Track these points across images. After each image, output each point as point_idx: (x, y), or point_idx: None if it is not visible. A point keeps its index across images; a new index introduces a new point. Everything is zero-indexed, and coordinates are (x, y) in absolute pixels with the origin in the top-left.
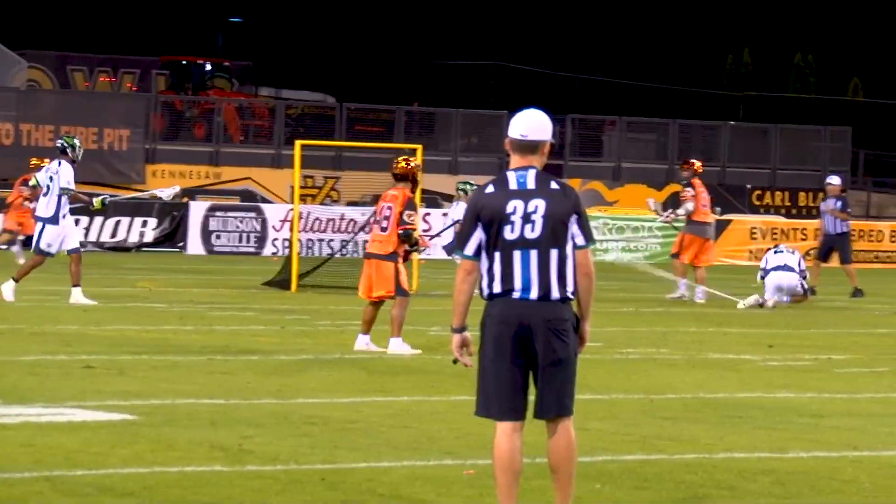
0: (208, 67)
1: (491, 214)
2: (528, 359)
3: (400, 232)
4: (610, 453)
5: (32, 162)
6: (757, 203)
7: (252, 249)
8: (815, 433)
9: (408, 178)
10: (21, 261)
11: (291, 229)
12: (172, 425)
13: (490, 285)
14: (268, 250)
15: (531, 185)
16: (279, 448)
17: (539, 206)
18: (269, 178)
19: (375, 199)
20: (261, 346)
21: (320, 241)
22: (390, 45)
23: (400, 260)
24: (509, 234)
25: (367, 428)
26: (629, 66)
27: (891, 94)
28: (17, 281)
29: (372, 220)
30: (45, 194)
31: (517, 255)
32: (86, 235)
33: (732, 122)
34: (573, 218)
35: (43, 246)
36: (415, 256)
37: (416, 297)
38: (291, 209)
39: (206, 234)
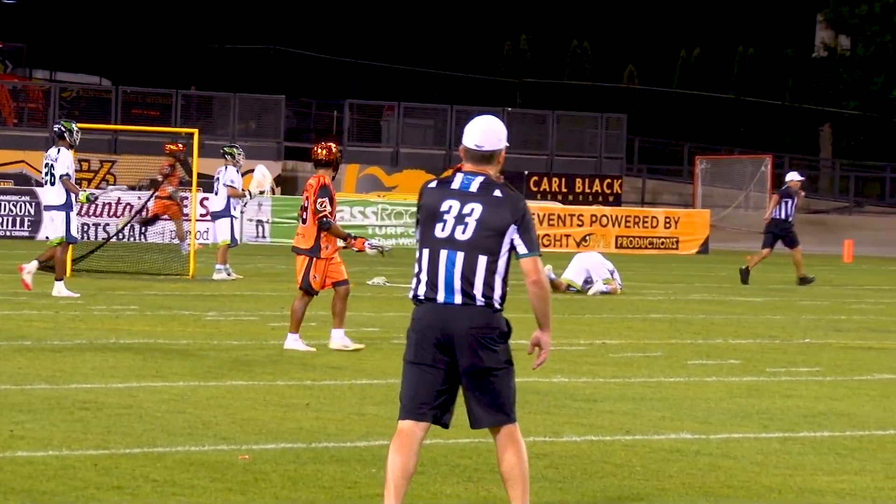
0: None
1: (426, 210)
2: (451, 365)
3: (317, 221)
4: (386, 438)
5: None
6: (534, 189)
7: (26, 234)
8: (589, 417)
9: (330, 164)
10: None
11: None
12: None
13: (416, 287)
14: (42, 234)
15: (474, 188)
16: (51, 434)
17: (475, 209)
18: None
19: (152, 183)
20: (33, 331)
21: (96, 225)
22: (167, 28)
23: (325, 254)
24: (439, 231)
25: (142, 413)
26: (407, 51)
27: (665, 82)
28: (60, 279)
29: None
30: (52, 184)
31: (444, 254)
32: None
33: (510, 109)
34: (512, 228)
35: (74, 233)
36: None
37: (193, 283)
38: None
39: None
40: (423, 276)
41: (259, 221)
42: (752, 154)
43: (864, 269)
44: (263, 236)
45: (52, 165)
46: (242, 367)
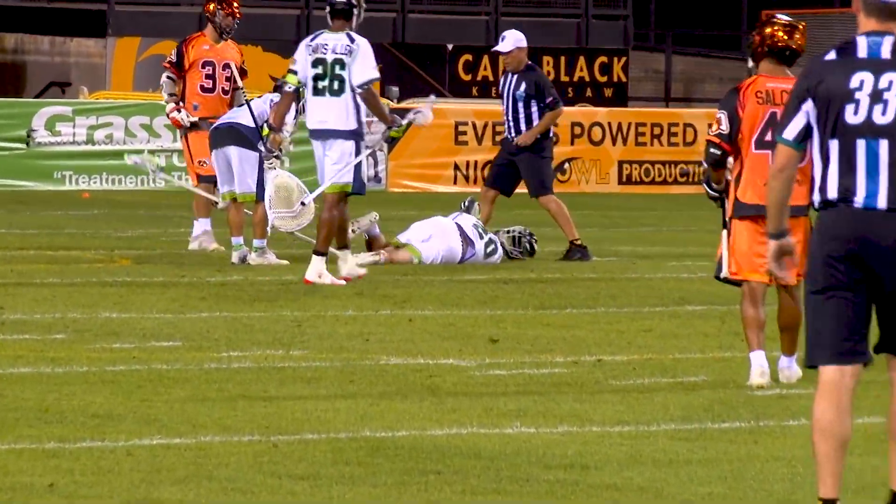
0: None
1: (828, 90)
2: (871, 287)
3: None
4: None
5: None
6: (465, 77)
7: None
8: (576, 498)
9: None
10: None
11: None
12: None
13: (822, 188)
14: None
15: (886, 54)
16: None
17: (895, 81)
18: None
19: None
20: None
21: None
22: None
23: None
24: (851, 117)
25: None
26: None
27: None
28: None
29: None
30: (335, 92)
31: (861, 146)
32: None
33: None
34: None
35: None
36: None
37: None
38: None
39: None
40: (833, 174)
41: None
42: None
43: None
44: None
45: (339, 63)
46: None
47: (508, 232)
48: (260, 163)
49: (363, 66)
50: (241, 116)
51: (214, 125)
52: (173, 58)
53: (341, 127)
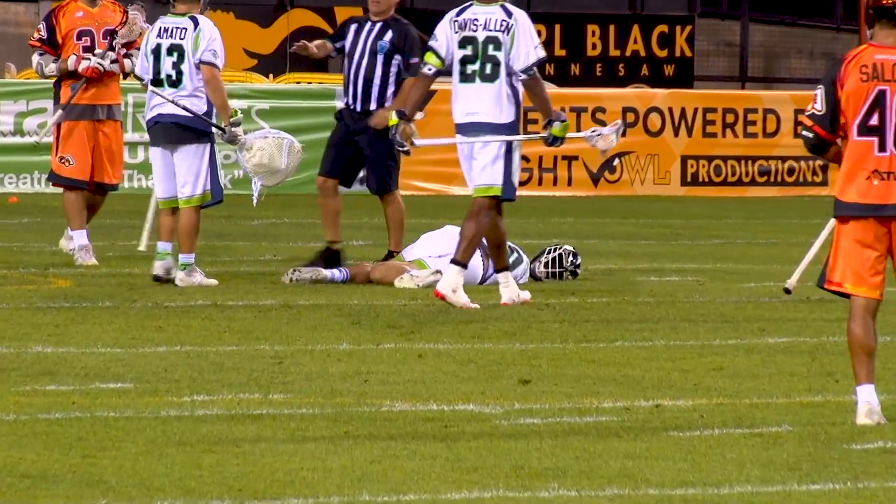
0: None
1: None
2: None
3: None
4: None
5: None
6: None
7: None
8: None
9: None
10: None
11: None
12: None
13: None
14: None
15: None
16: None
17: None
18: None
19: None
20: None
21: None
22: None
23: None
24: None
25: None
26: None
27: None
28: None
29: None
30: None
31: None
32: None
33: None
34: None
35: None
36: None
37: None
38: None
39: None
40: None
41: None
42: None
43: None
44: None
45: (493, 43)
46: None
47: (547, 253)
48: (212, 154)
49: (525, 45)
50: (180, 103)
51: (153, 118)
52: (43, 34)
53: (495, 119)
